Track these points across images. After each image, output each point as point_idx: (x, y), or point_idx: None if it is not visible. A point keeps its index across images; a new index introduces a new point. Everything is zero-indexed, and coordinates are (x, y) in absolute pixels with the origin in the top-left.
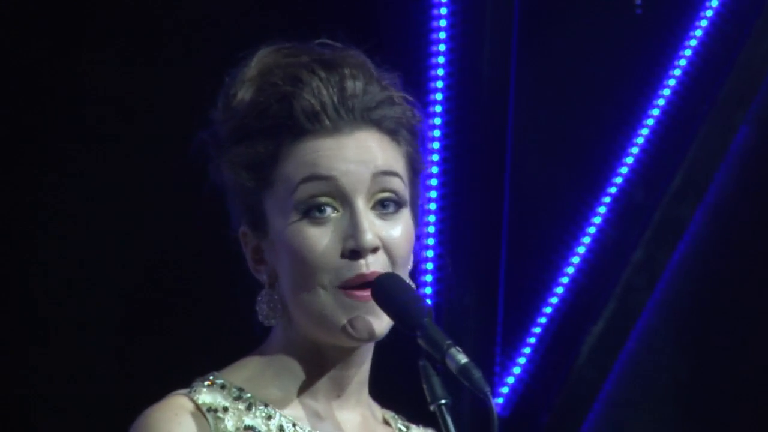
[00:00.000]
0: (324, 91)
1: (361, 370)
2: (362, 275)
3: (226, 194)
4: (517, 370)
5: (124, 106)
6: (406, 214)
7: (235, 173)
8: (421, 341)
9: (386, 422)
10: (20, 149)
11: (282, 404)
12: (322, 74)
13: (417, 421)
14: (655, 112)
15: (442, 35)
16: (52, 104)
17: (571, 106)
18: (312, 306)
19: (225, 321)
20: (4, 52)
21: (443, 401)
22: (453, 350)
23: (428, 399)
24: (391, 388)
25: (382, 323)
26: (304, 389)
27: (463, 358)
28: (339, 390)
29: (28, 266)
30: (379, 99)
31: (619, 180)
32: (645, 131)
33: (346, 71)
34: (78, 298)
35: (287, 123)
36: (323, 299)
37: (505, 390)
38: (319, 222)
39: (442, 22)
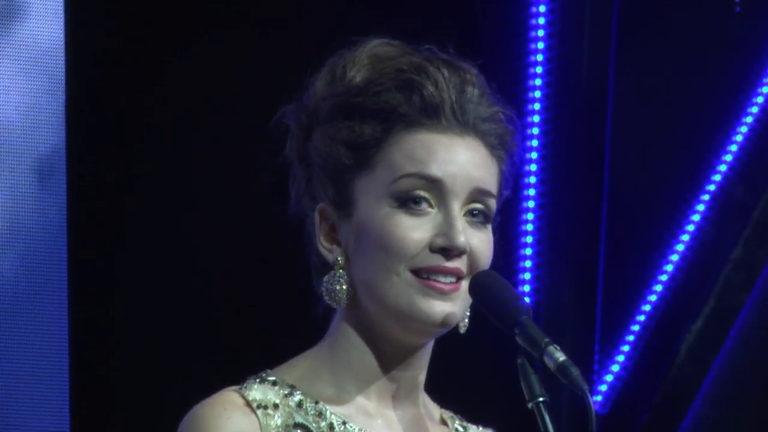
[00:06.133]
0: (445, 89)
1: (419, 373)
2: (444, 267)
3: (309, 168)
4: (615, 368)
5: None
6: (489, 229)
7: (333, 148)
8: (519, 339)
9: (444, 422)
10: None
11: (334, 402)
12: (446, 73)
13: (477, 422)
14: (754, 109)
15: (541, 33)
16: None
17: (669, 103)
18: (387, 292)
19: (290, 318)
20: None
21: (541, 399)
22: (551, 348)
23: (526, 397)
24: (488, 387)
25: (455, 313)
26: (358, 387)
27: (561, 356)
28: (393, 390)
29: (114, 258)
30: (492, 111)
31: (718, 178)
32: (744, 129)
33: (468, 76)
34: (159, 292)
35: (402, 110)
36: (400, 284)
37: (603, 388)
38: (414, 213)
39: (540, 20)
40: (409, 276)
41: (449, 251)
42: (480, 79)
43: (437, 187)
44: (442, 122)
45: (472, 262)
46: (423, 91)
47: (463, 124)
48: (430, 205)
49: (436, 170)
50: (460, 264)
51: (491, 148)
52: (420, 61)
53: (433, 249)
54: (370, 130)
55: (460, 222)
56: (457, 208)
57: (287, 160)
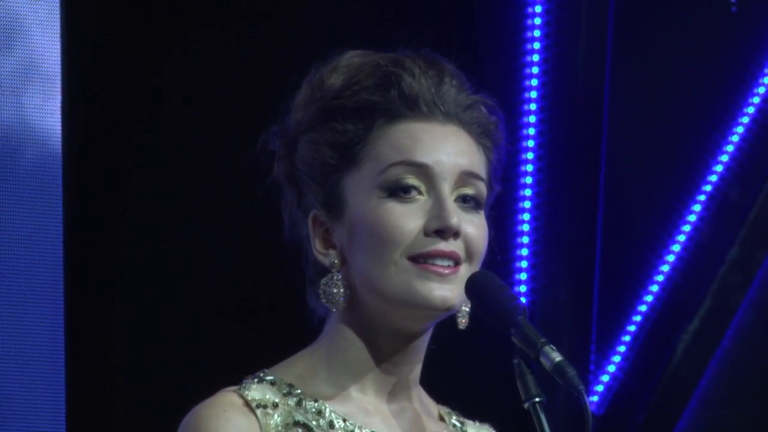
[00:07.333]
0: (423, 80)
1: (415, 368)
2: (441, 250)
3: (299, 183)
4: (612, 368)
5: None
6: (482, 215)
7: (318, 151)
8: (515, 339)
9: (441, 418)
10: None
11: (333, 400)
12: (423, 65)
13: (474, 418)
14: (750, 110)
15: (537, 33)
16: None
17: (666, 104)
18: (386, 281)
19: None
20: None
21: (537, 399)
22: (547, 348)
23: (522, 397)
24: (486, 386)
25: (454, 298)
26: (355, 385)
27: (557, 356)
28: (390, 386)
29: (111, 258)
30: (472, 100)
31: (714, 178)
32: (740, 129)
33: (445, 68)
34: (165, 289)
35: (383, 104)
36: (398, 272)
37: (599, 388)
38: (404, 200)
39: (537, 21)
40: (406, 263)
41: (444, 232)
42: (458, 72)
43: (425, 174)
44: (423, 111)
45: (468, 247)
46: (401, 82)
47: (445, 113)
48: (420, 192)
49: (422, 156)
50: (456, 248)
51: (476, 136)
52: (396, 56)
53: (428, 233)
54: (353, 127)
55: (451, 204)
56: (447, 192)
57: (277, 185)
